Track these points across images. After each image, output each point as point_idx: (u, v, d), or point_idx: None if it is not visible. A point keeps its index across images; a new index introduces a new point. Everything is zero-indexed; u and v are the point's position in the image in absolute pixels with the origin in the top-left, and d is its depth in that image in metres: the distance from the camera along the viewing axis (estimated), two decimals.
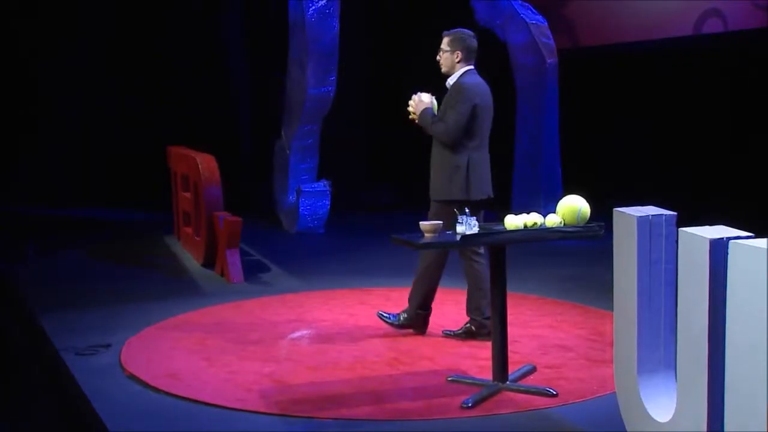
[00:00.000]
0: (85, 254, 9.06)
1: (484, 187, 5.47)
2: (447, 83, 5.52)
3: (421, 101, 5.51)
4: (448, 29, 5.62)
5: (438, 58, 5.54)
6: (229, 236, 7.54)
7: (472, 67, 5.53)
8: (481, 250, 5.54)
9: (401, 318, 5.78)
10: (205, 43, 12.74)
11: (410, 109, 5.55)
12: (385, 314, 5.84)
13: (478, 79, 5.52)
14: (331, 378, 4.93)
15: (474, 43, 5.53)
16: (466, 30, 5.59)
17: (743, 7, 9.39)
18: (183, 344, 5.64)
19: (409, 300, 5.79)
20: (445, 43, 5.51)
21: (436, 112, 5.51)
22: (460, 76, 5.47)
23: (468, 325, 5.63)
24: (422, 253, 5.65)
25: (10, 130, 12.32)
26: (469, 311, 5.64)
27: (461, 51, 5.47)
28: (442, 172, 5.46)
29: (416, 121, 5.55)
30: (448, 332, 5.70)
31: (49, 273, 8.17)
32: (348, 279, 7.55)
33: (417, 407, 4.46)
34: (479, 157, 5.46)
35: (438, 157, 5.50)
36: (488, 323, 5.16)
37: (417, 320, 5.76)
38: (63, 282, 7.73)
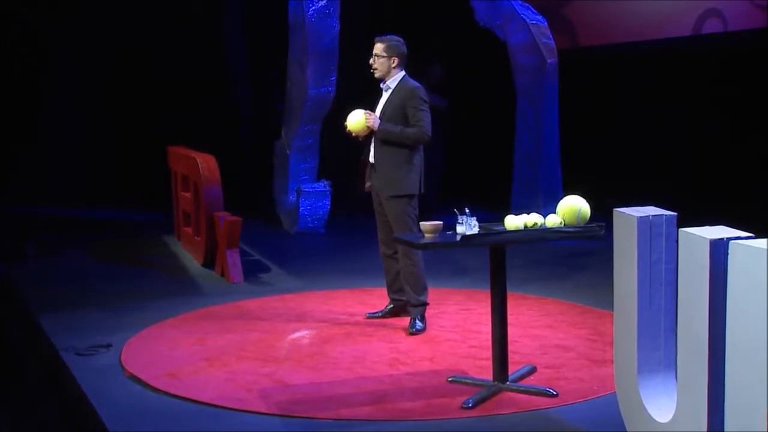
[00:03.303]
0: (85, 254, 9.06)
1: (423, 182, 5.94)
2: (385, 86, 5.89)
3: (372, 116, 5.77)
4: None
5: (371, 62, 5.86)
6: (229, 236, 7.54)
7: (404, 72, 5.89)
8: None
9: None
10: (206, 43, 12.74)
11: (364, 124, 5.75)
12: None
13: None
14: (331, 378, 4.93)
15: (405, 49, 5.91)
16: (398, 37, 5.92)
17: (743, 7, 9.39)
18: (183, 344, 5.65)
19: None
20: (381, 49, 5.83)
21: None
22: (402, 79, 5.86)
23: (391, 306, 6.16)
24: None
25: (10, 130, 12.31)
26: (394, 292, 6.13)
27: (397, 57, 5.83)
28: (400, 169, 5.79)
29: (374, 133, 5.80)
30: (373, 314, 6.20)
31: (49, 273, 8.16)
32: (348, 279, 7.54)
33: (417, 407, 4.46)
34: (422, 154, 5.92)
35: (391, 155, 5.80)
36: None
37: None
38: (63, 282, 7.72)
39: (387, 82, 5.88)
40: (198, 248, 8.26)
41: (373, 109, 5.91)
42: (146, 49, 12.40)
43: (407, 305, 5.98)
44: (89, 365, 5.23)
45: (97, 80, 12.66)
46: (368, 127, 5.77)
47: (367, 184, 5.99)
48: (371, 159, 5.91)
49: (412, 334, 5.76)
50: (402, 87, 5.84)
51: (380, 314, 6.16)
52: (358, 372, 5.02)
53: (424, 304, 5.92)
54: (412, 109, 5.76)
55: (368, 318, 6.16)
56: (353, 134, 5.83)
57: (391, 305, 6.16)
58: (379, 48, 5.84)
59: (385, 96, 5.92)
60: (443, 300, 6.58)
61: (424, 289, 5.91)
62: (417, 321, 5.83)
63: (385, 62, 5.83)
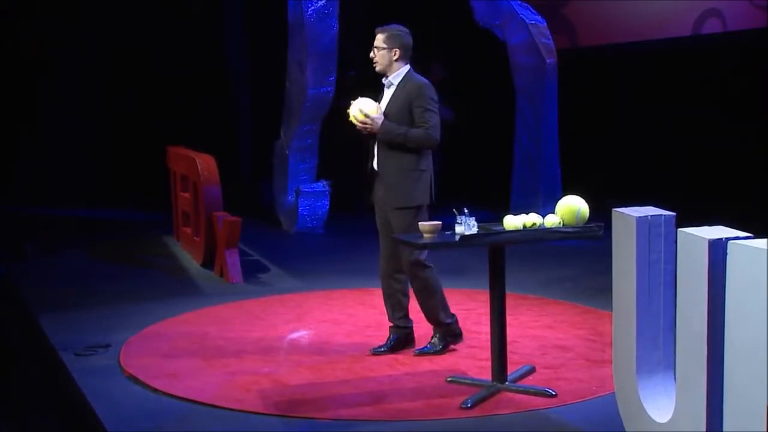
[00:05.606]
0: (85, 254, 9.06)
1: (434, 190, 5.32)
2: (387, 82, 5.26)
3: (374, 117, 5.10)
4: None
5: (372, 55, 5.24)
6: (228, 236, 7.54)
7: (409, 66, 5.27)
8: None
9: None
10: (206, 43, 12.74)
11: (361, 124, 5.14)
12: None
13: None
14: (330, 378, 4.93)
15: (410, 40, 5.27)
16: (401, 27, 5.32)
17: (742, 7, 9.40)
18: (182, 344, 5.65)
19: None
20: (380, 41, 5.21)
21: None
22: (407, 74, 5.23)
23: (395, 336, 5.41)
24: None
25: (11, 130, 12.32)
26: (398, 319, 5.41)
27: (399, 48, 5.19)
28: (408, 177, 5.15)
29: (373, 133, 5.16)
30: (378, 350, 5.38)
31: (49, 273, 8.16)
32: (348, 279, 7.55)
33: (416, 407, 4.46)
34: (432, 159, 5.33)
35: (397, 161, 5.16)
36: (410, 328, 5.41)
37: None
38: (63, 282, 7.72)
39: (389, 77, 5.23)
40: (197, 248, 8.26)
41: None
42: (146, 49, 12.41)
43: (411, 333, 5.45)
44: (88, 365, 5.23)
45: (97, 80, 12.66)
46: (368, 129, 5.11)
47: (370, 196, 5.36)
48: (374, 165, 5.27)
49: (421, 353, 5.31)
50: (407, 83, 5.19)
51: (384, 348, 5.37)
52: (358, 372, 5.02)
53: (445, 325, 5.33)
54: (419, 108, 5.10)
55: (373, 354, 5.34)
56: (350, 118, 5.15)
57: (395, 335, 5.40)
58: (379, 39, 5.22)
59: (388, 93, 5.27)
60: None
61: (444, 309, 5.32)
62: (434, 340, 5.36)
63: (385, 54, 5.18)
